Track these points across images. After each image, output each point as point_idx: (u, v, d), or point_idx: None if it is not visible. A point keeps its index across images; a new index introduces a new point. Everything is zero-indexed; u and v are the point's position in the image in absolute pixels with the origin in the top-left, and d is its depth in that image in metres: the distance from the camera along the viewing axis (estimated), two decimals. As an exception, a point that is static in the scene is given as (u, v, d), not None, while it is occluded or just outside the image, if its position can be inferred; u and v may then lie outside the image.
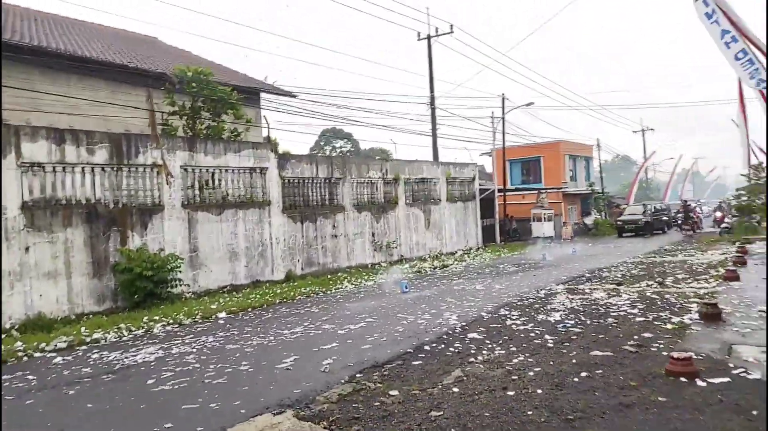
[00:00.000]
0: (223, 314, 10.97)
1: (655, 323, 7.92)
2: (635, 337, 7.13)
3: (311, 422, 4.88)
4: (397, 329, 8.58)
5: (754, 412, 4.50)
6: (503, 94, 29.59)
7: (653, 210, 31.86)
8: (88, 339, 9.20)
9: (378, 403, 5.29)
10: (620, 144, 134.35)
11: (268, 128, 17.21)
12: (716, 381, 5.27)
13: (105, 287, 12.21)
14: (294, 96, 22.71)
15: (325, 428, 4.76)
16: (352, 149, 59.92)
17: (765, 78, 10.33)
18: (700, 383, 5.24)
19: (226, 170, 15.19)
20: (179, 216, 13.86)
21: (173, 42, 24.40)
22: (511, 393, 5.35)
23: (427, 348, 7.30)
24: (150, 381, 6.47)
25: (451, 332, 8.15)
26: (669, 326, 7.67)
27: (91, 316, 11.45)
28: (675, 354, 5.65)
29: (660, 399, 4.93)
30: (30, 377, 7.11)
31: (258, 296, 13.14)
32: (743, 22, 9.84)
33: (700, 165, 71.38)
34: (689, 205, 32.15)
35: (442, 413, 4.94)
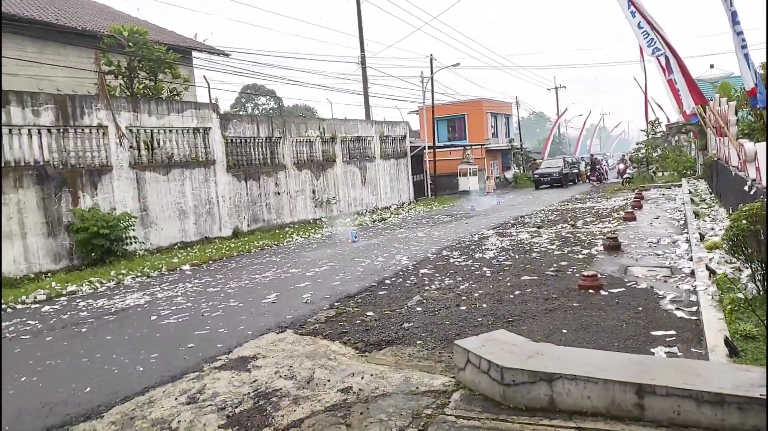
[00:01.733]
0: (187, 267, 11.70)
1: (570, 254, 9.68)
2: (554, 265, 8.82)
3: (310, 335, 6.05)
4: (358, 269, 9.82)
5: (639, 308, 6.18)
6: (431, 55, 30.78)
7: (567, 164, 34.80)
8: (63, 292, 9.72)
9: (359, 321, 6.54)
10: (536, 102, 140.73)
11: (209, 88, 17.42)
12: (615, 291, 6.96)
13: (60, 246, 12.49)
14: (227, 55, 22.71)
15: (322, 338, 5.95)
16: (276, 107, 59.24)
17: (660, 47, 12.21)
18: (603, 293, 6.91)
19: (171, 131, 15.46)
20: (128, 176, 14.14)
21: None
22: (463, 308, 6.78)
23: (388, 281, 8.61)
24: (153, 318, 7.33)
25: (405, 269, 9.51)
26: (580, 256, 9.45)
27: (49, 274, 11.81)
28: (585, 273, 7.33)
29: (574, 304, 6.53)
30: (31, 322, 7.71)
31: (214, 250, 13.87)
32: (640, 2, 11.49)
33: (607, 121, 76.83)
34: (596, 158, 35.43)
35: (412, 324, 6.27)
